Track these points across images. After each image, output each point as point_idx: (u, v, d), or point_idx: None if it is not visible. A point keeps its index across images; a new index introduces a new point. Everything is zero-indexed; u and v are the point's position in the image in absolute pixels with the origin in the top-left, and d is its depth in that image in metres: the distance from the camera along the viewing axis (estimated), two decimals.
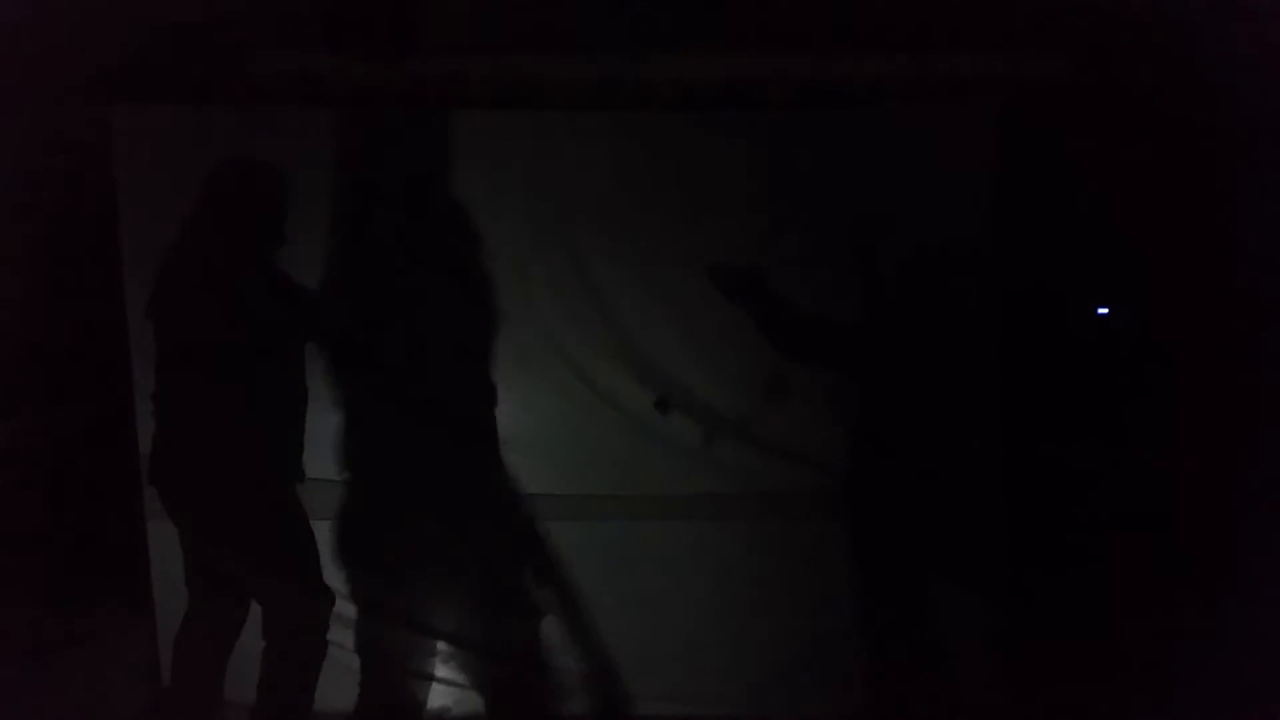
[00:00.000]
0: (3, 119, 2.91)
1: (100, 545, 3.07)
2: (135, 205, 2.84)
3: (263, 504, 2.64)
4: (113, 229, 2.86)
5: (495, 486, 2.89)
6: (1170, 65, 2.89)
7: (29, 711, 2.83)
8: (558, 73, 2.97)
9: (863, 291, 2.91)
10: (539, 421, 2.93)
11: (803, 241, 2.88)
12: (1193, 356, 2.98)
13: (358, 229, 2.86)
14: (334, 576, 2.81)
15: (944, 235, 2.87)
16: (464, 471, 2.90)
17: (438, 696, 2.97)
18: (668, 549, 2.96)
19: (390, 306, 2.87)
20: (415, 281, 2.88)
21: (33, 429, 3.14)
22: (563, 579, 2.94)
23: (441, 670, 2.97)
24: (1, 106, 2.88)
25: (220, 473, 2.58)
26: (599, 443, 2.93)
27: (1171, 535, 2.92)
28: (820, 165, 2.88)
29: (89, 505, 3.09)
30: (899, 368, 2.90)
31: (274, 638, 2.66)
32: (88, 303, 3.02)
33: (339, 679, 2.84)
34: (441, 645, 2.96)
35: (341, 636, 2.84)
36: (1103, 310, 3.18)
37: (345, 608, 2.86)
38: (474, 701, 2.97)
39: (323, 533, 2.81)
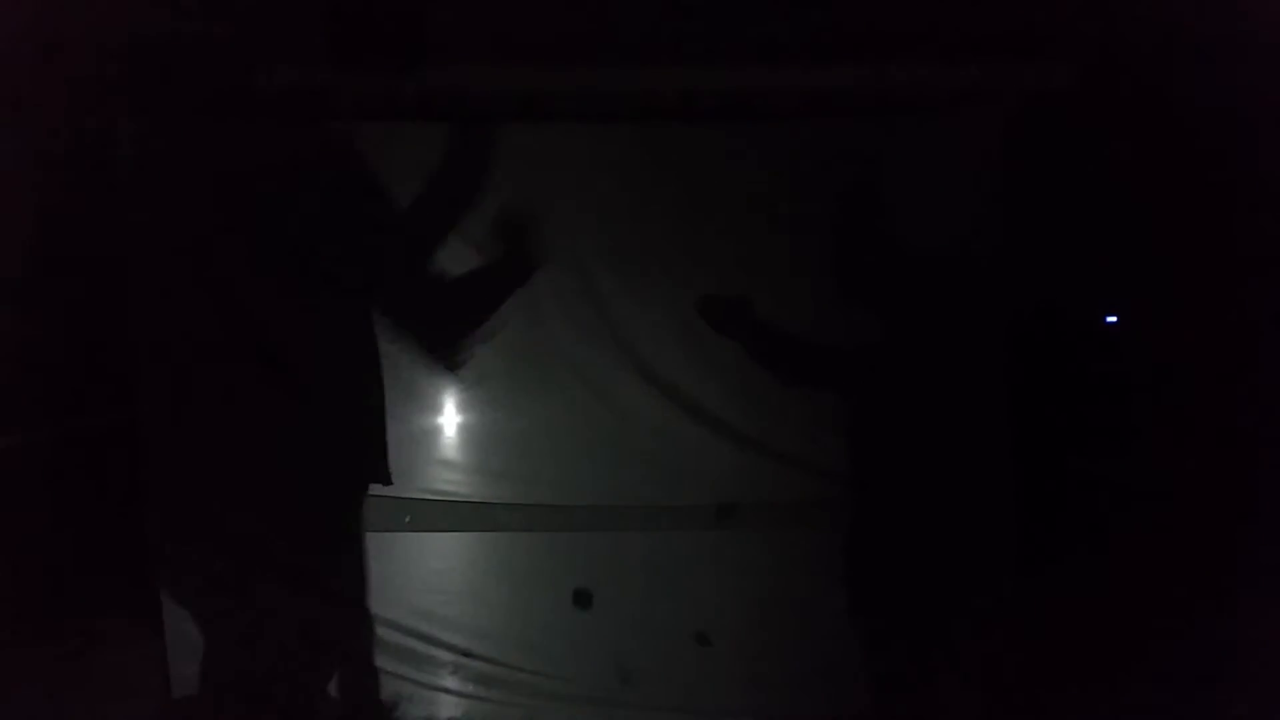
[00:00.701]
0: (8, 132, 2.92)
1: (107, 557, 3.08)
2: (141, 219, 2.85)
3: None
4: (119, 241, 2.86)
5: None
6: (1176, 71, 2.88)
7: None
8: (564, 85, 2.97)
9: (866, 301, 2.91)
10: (547, 431, 2.94)
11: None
12: (1201, 363, 2.97)
13: (366, 241, 2.86)
14: None
15: (951, 244, 2.87)
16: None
17: (446, 708, 2.98)
18: (677, 559, 2.96)
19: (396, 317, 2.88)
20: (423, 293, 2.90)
21: (38, 441, 3.14)
22: None
23: (450, 681, 2.97)
24: (8, 119, 2.89)
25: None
26: (607, 453, 2.94)
27: (1179, 541, 2.91)
28: (826, 175, 2.89)
29: (94, 517, 3.09)
30: (904, 378, 2.89)
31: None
32: (93, 316, 3.03)
33: None
34: (450, 656, 2.97)
35: None
36: (1111, 318, 3.18)
37: None
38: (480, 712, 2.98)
39: None
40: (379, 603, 2.92)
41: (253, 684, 2.68)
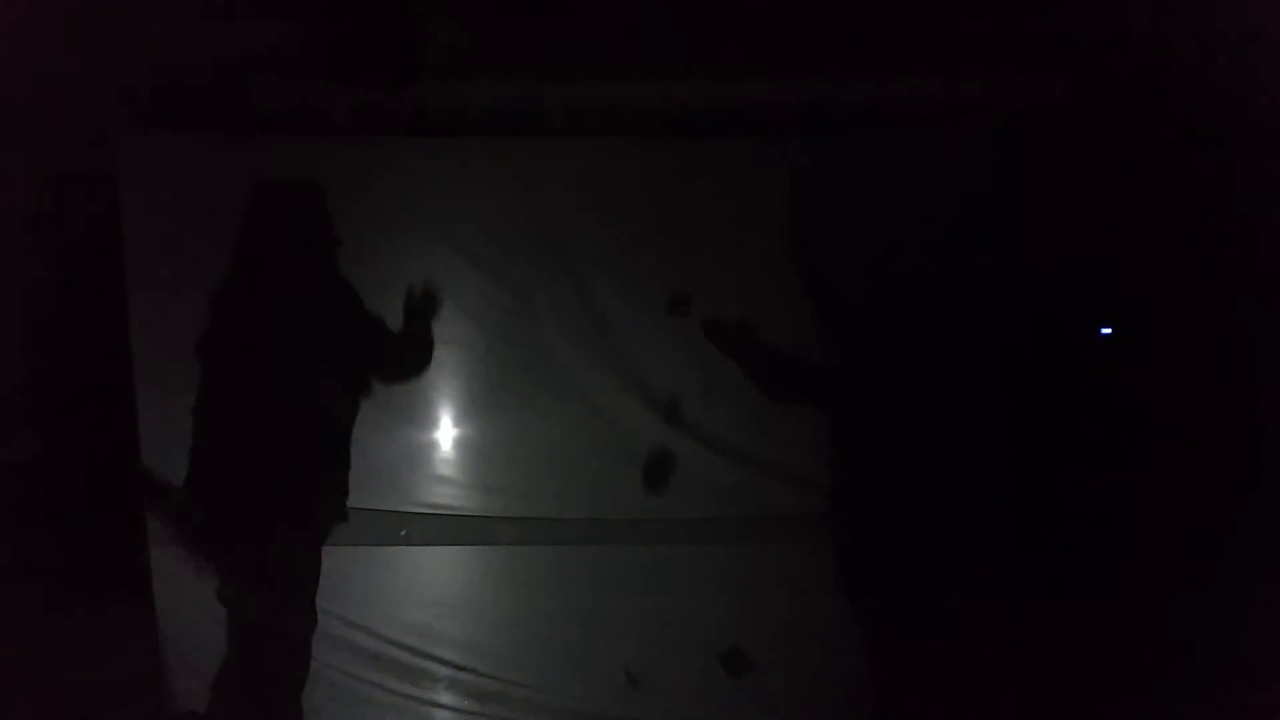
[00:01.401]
0: (9, 148, 2.94)
1: (104, 565, 3.08)
2: (140, 234, 2.86)
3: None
4: (118, 255, 2.88)
5: None
6: (1170, 85, 2.89)
7: None
8: (559, 99, 2.99)
9: (860, 314, 2.91)
10: (542, 445, 2.94)
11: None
12: (1195, 375, 2.97)
13: (358, 256, 2.88)
14: None
15: (946, 256, 2.87)
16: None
17: None
18: (674, 572, 2.95)
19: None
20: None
21: (36, 452, 3.15)
22: None
23: (445, 696, 2.97)
24: (8, 135, 2.91)
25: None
26: (602, 466, 2.94)
27: (1174, 550, 2.91)
28: (822, 188, 2.89)
29: (92, 525, 3.09)
30: (899, 392, 2.89)
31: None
32: (92, 330, 3.04)
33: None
34: (445, 671, 2.97)
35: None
36: (1106, 330, 3.18)
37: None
38: None
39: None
40: (373, 617, 2.92)
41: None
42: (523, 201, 2.93)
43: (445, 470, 2.96)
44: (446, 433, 2.97)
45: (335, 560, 2.84)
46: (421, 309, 2.85)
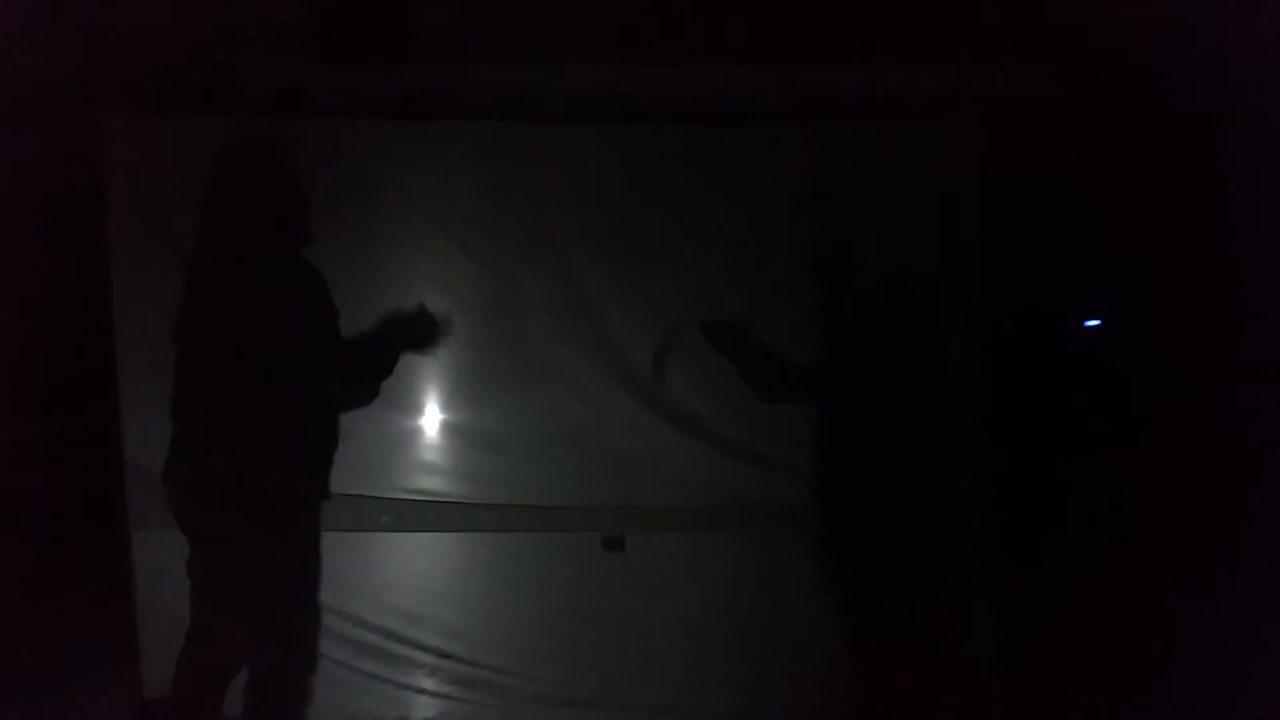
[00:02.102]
0: None
1: (84, 555, 3.06)
2: (124, 215, 2.84)
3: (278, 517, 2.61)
4: (101, 238, 2.85)
5: None
6: (1158, 76, 2.90)
7: None
8: (549, 85, 2.98)
9: (849, 304, 2.92)
10: (526, 431, 2.93)
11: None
12: (1181, 367, 2.98)
13: (346, 240, 2.86)
14: None
15: (933, 247, 2.88)
16: None
17: (423, 709, 2.96)
18: (656, 559, 2.96)
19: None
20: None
21: (17, 439, 3.12)
22: None
23: (427, 682, 2.95)
24: None
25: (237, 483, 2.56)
26: (586, 453, 2.93)
27: (1161, 543, 2.92)
28: (809, 177, 2.90)
29: (74, 516, 3.07)
30: (885, 384, 2.89)
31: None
32: (75, 313, 3.01)
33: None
34: (427, 657, 2.95)
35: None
36: (1092, 322, 3.19)
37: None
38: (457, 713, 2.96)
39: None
40: (356, 603, 2.90)
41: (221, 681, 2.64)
42: (512, 188, 2.92)
43: (427, 456, 2.95)
44: (429, 418, 2.96)
45: None
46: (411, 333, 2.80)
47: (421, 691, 2.95)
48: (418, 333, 2.84)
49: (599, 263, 2.93)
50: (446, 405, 2.96)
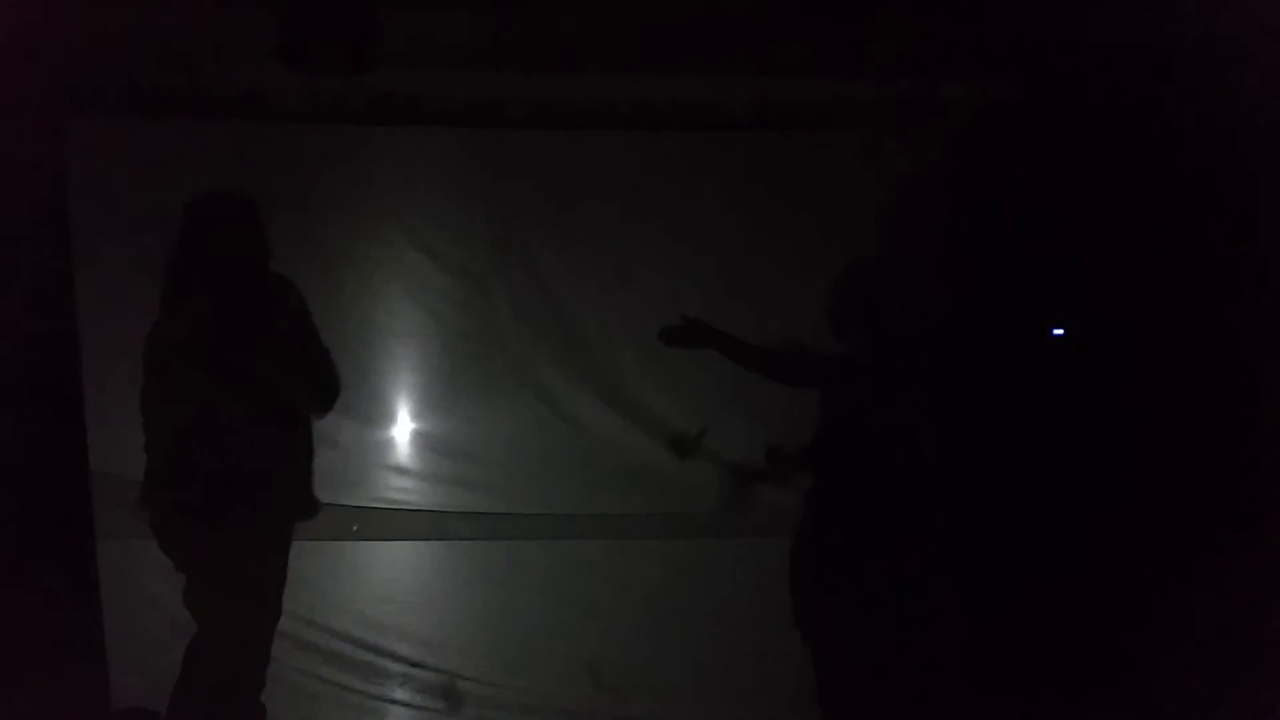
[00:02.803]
0: None
1: (49, 562, 3.01)
2: (88, 220, 2.80)
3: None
4: (65, 242, 2.81)
5: None
6: (1123, 87, 2.92)
7: None
8: (518, 91, 2.96)
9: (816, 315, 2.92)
10: (497, 439, 2.93)
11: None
12: (1147, 374, 3.01)
13: (311, 246, 2.83)
14: None
15: (898, 256, 2.90)
16: None
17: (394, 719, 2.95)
18: (629, 568, 2.96)
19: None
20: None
21: None
22: None
23: (399, 692, 2.94)
24: None
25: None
26: (557, 461, 2.93)
27: (1131, 547, 2.95)
28: (775, 186, 2.91)
29: (38, 523, 3.02)
30: (856, 389, 2.90)
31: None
32: (39, 317, 2.97)
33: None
34: (400, 667, 2.94)
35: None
36: (1058, 331, 3.22)
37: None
38: None
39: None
40: (327, 613, 2.89)
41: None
42: (480, 193, 2.91)
43: (398, 464, 2.94)
44: (400, 426, 2.95)
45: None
46: None
47: (393, 702, 2.94)
48: None
49: (570, 270, 2.93)
50: (417, 413, 2.95)
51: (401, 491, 2.94)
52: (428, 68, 2.89)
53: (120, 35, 2.82)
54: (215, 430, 2.51)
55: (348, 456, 2.88)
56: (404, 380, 2.92)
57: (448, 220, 2.92)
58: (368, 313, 2.87)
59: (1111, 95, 2.91)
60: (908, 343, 2.90)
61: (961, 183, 2.91)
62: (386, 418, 2.93)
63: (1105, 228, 2.97)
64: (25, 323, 3.01)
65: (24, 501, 3.03)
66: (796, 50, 2.89)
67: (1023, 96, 2.97)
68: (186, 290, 2.59)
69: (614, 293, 2.94)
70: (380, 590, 2.96)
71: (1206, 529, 2.76)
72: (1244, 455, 2.79)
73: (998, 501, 3.02)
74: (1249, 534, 2.68)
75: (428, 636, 2.95)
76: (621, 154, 2.96)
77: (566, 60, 2.93)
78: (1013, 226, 2.97)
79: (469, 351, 2.92)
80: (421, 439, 2.95)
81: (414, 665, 2.95)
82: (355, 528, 2.90)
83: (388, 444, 2.94)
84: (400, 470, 2.94)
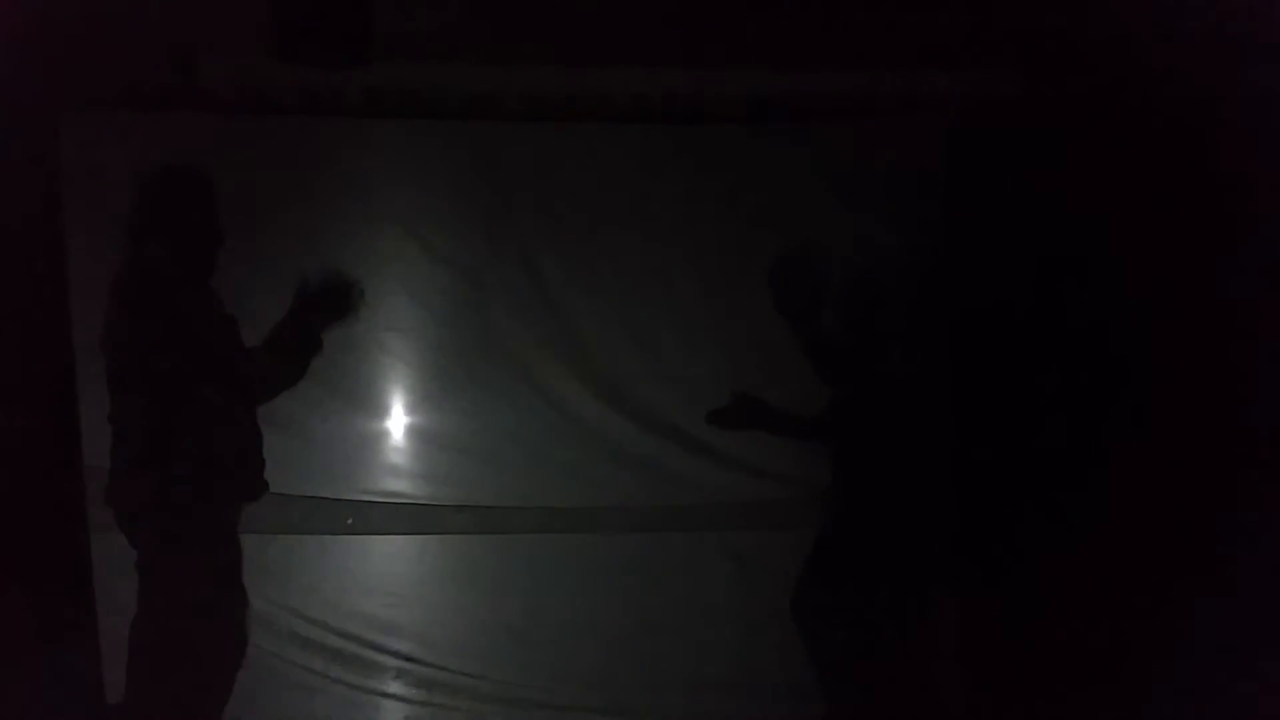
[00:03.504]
0: None
1: (43, 558, 3.01)
2: (81, 213, 2.80)
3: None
4: (58, 236, 2.81)
5: None
6: (1119, 79, 2.91)
7: None
8: (512, 84, 2.96)
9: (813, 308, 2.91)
10: (491, 432, 2.92)
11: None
12: (1147, 371, 2.99)
13: (306, 239, 2.83)
14: None
15: (895, 248, 2.89)
16: None
17: (389, 713, 2.94)
18: (622, 560, 2.96)
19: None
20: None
21: None
22: None
23: (393, 686, 2.93)
24: None
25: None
26: (552, 454, 2.93)
27: (1125, 552, 2.93)
28: (771, 179, 2.90)
29: (32, 517, 3.02)
30: (852, 385, 2.89)
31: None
32: (32, 313, 2.96)
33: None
34: (394, 661, 2.93)
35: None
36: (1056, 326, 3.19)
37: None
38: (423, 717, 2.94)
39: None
40: (320, 607, 2.88)
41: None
42: (476, 187, 2.90)
43: (392, 458, 2.95)
44: (394, 419, 2.95)
45: (280, 549, 2.81)
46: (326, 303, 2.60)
47: (387, 696, 2.94)
48: (332, 302, 2.64)
49: (566, 264, 2.93)
50: (411, 406, 2.95)
51: (395, 485, 2.94)
52: (425, 62, 2.89)
53: (116, 29, 2.82)
54: (170, 420, 2.48)
55: (341, 450, 2.89)
56: (399, 374, 2.92)
57: (444, 214, 2.92)
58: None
59: (1111, 88, 2.90)
60: (907, 338, 2.91)
61: (959, 177, 2.89)
62: (381, 411, 2.93)
63: (1104, 223, 2.95)
64: (19, 316, 3.01)
65: (17, 496, 3.03)
66: (798, 45, 2.88)
67: (1021, 90, 2.96)
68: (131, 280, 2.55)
69: (610, 287, 2.93)
70: (374, 584, 2.95)
71: (1207, 529, 2.74)
72: (1244, 453, 2.77)
73: (998, 501, 3.00)
74: (1249, 534, 2.66)
75: (421, 630, 2.95)
76: (618, 148, 2.96)
77: (565, 54, 2.92)
78: (1011, 221, 2.96)
79: (464, 345, 2.92)
80: (416, 433, 2.95)
81: (408, 659, 2.94)
82: (349, 521, 2.90)
83: (383, 438, 2.94)
84: (395, 464, 2.94)
